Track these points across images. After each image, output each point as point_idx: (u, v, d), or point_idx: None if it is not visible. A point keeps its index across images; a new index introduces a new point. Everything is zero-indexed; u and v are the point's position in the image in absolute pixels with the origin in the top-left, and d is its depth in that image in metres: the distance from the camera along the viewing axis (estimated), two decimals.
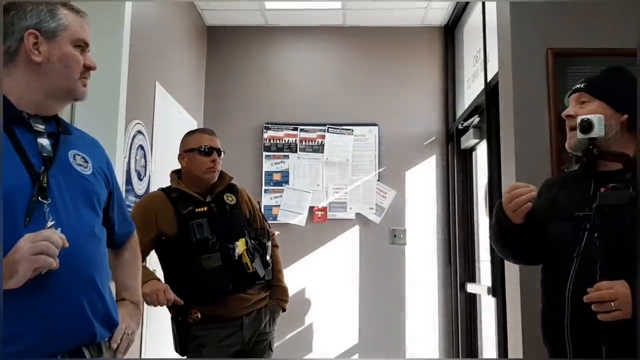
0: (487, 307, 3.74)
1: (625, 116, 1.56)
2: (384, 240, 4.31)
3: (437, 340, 4.18)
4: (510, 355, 2.83)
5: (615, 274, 1.39)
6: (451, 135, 4.29)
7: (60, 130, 1.46)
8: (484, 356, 3.83)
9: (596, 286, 1.38)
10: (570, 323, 1.47)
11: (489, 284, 3.28)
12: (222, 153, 2.54)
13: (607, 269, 1.41)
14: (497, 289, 3.05)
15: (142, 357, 3.09)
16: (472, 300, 4.00)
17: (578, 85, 1.65)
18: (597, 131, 1.50)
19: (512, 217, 1.57)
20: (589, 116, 1.51)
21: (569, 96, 1.68)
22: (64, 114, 1.54)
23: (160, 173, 3.24)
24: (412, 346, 4.17)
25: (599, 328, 1.39)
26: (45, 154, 1.38)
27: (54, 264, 1.23)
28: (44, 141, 1.39)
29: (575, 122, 1.54)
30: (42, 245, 1.21)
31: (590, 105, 1.58)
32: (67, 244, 1.25)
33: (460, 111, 4.19)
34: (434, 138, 4.40)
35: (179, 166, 2.57)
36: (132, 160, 3.02)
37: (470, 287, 3.90)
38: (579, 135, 1.53)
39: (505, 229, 1.62)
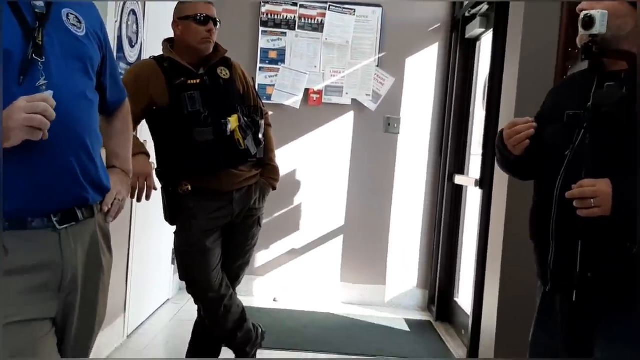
0: (472, 200, 3.81)
1: None
2: (378, 128, 4.29)
3: (420, 228, 4.31)
4: (490, 248, 2.93)
5: (602, 173, 1.40)
6: (456, 23, 4.13)
7: None
8: (464, 246, 3.97)
9: (579, 183, 1.40)
10: (556, 219, 1.50)
11: (477, 177, 3.31)
12: (219, 23, 2.44)
13: (594, 168, 1.42)
14: (485, 181, 3.09)
15: (132, 224, 3.16)
16: (458, 192, 4.07)
17: None
18: (599, 27, 1.43)
19: (513, 150, 1.58)
20: (591, 11, 1.44)
21: None
22: None
23: (153, 41, 3.13)
24: (395, 232, 4.30)
25: (579, 224, 1.42)
26: (38, 10, 1.31)
27: (46, 132, 1.21)
28: None
29: None
30: (40, 105, 1.19)
31: (606, 2, 1.50)
32: (53, 116, 1.21)
33: None
34: (438, 25, 4.24)
35: (172, 34, 2.48)
36: (124, 26, 2.90)
37: (458, 179, 3.96)
38: (581, 31, 1.48)
39: (507, 159, 1.65)
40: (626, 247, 1.40)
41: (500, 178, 2.79)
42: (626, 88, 1.43)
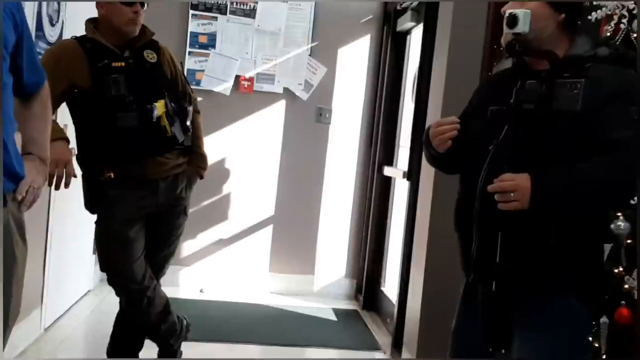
0: (400, 191, 3.89)
1: (563, 15, 1.55)
2: (310, 117, 4.28)
3: (350, 218, 4.35)
4: (416, 236, 3.00)
5: (522, 168, 1.46)
6: (388, 16, 4.18)
7: None
8: (391, 237, 4.05)
9: (500, 177, 1.45)
10: (479, 212, 1.54)
11: (406, 168, 3.38)
12: (146, 5, 2.35)
13: (514, 163, 1.47)
14: (413, 174, 3.15)
15: (50, 213, 3.01)
16: (387, 184, 4.13)
17: None
18: (522, 26, 1.49)
19: (437, 148, 1.64)
20: (515, 10, 1.50)
21: None
22: None
23: (75, 20, 2.97)
24: (324, 222, 4.33)
25: (499, 217, 1.47)
26: None
27: None
28: None
29: None
30: None
31: (530, 4, 1.56)
32: None
33: None
34: (370, 17, 4.27)
35: (96, 14, 2.36)
36: (44, 3, 2.73)
37: (387, 170, 4.02)
38: (505, 29, 1.53)
39: (432, 156, 1.72)
40: (544, 240, 1.47)
41: (427, 171, 2.86)
42: (546, 86, 1.49)
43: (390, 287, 3.91)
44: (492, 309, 1.56)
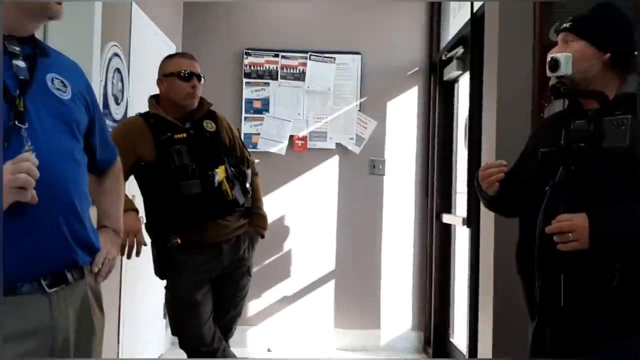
0: (461, 238, 3.84)
1: (608, 55, 1.56)
2: (363, 170, 4.33)
3: (412, 269, 4.31)
4: (481, 285, 2.94)
5: (579, 208, 1.45)
6: (434, 67, 4.24)
7: (37, 52, 1.40)
8: (456, 285, 3.97)
9: (557, 218, 1.45)
10: (539, 254, 1.53)
11: (465, 214, 3.35)
12: (202, 79, 2.49)
13: (571, 203, 1.47)
14: (472, 220, 3.12)
15: (122, 282, 3.13)
16: (447, 231, 4.09)
17: (565, 25, 1.65)
18: (564, 69, 1.52)
19: (487, 191, 1.67)
20: (556, 54, 1.54)
21: (555, 32, 1.68)
22: (37, 36, 1.47)
23: (138, 98, 3.17)
24: (386, 274, 4.29)
25: (560, 258, 1.46)
26: (21, 77, 1.33)
27: (34, 198, 1.21)
28: (20, 63, 1.34)
29: None
30: (23, 166, 1.18)
31: (574, 46, 1.59)
32: (37, 174, 1.22)
33: (444, 42, 4.13)
34: (417, 69, 4.35)
35: (157, 91, 2.52)
36: (109, 84, 2.94)
37: (446, 218, 3.99)
38: (548, 73, 1.56)
39: (486, 200, 1.76)
40: (606, 280, 1.43)
41: (487, 216, 2.82)
42: (594, 125, 1.50)
43: (459, 337, 3.81)
44: (561, 352, 1.52)
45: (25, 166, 1.19)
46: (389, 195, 4.33)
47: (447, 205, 4.08)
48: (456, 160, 4.09)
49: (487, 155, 2.85)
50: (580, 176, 1.49)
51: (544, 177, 1.56)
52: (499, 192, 1.64)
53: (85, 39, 2.57)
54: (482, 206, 2.80)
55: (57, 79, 1.42)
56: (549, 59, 1.55)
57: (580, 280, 1.47)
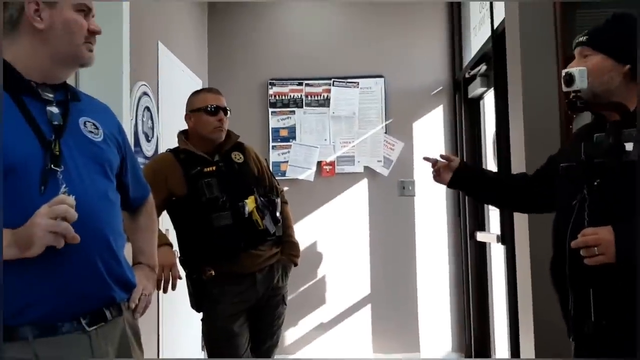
0: (497, 255, 3.78)
1: (628, 67, 1.55)
2: (393, 192, 4.33)
3: (448, 289, 4.25)
4: (520, 302, 2.88)
5: (604, 221, 1.43)
6: (458, 85, 4.24)
7: (69, 97, 1.46)
8: (495, 303, 3.90)
9: (582, 232, 1.43)
10: (570, 269, 1.52)
11: (499, 232, 3.30)
12: (229, 112, 2.54)
13: (596, 217, 1.45)
14: (507, 237, 3.07)
15: (159, 316, 3.17)
16: (481, 249, 4.03)
17: (581, 39, 1.63)
18: (579, 83, 1.51)
19: (438, 181, 1.99)
20: (570, 69, 1.54)
21: (574, 48, 1.67)
22: (68, 78, 1.53)
23: (168, 134, 3.25)
24: (423, 296, 4.25)
25: (589, 273, 1.45)
26: (55, 122, 1.38)
27: (76, 238, 1.25)
28: (54, 109, 1.40)
29: None
30: (60, 209, 1.22)
31: (592, 59, 1.58)
32: (75, 216, 1.25)
33: (467, 60, 4.13)
34: (440, 88, 4.35)
35: (186, 126, 2.58)
36: (139, 122, 3.02)
37: (480, 236, 3.94)
38: (564, 88, 1.56)
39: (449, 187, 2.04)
40: (634, 294, 1.40)
41: (521, 232, 2.78)
42: (613, 138, 1.48)
43: (501, 355, 3.72)
44: None
45: (62, 209, 1.22)
46: (421, 216, 4.31)
47: (480, 223, 4.03)
48: None
49: (518, 172, 2.82)
50: (604, 190, 1.47)
51: (570, 191, 1.55)
52: (451, 181, 1.98)
53: (115, 80, 2.65)
54: (517, 222, 2.77)
55: (89, 122, 1.48)
56: (563, 74, 1.55)
57: (610, 294, 1.44)
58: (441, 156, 2.06)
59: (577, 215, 1.51)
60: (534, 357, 2.65)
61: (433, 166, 2.06)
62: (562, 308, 1.60)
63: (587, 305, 1.47)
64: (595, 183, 1.48)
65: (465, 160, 4.10)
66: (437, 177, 2.06)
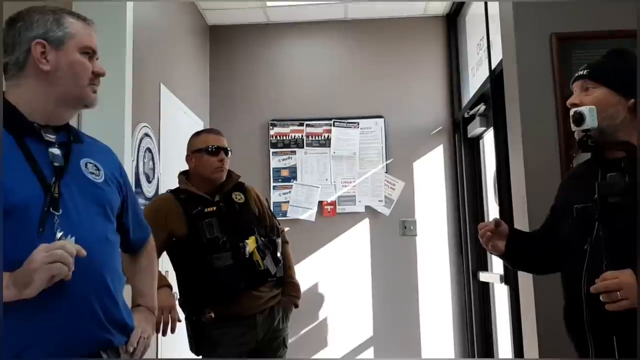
0: (500, 295, 3.73)
1: (632, 100, 1.53)
2: (395, 232, 4.31)
3: (452, 330, 4.18)
4: (525, 343, 2.83)
5: (623, 264, 1.38)
6: (457, 125, 4.27)
7: (71, 139, 1.47)
8: (500, 345, 3.83)
9: (602, 276, 1.37)
10: (589, 315, 1.46)
11: (501, 272, 3.27)
12: (229, 152, 2.55)
13: (614, 259, 1.40)
14: (510, 277, 3.04)
15: (159, 358, 3.11)
16: (484, 289, 3.99)
17: (581, 72, 1.62)
18: (589, 122, 1.49)
19: (492, 252, 1.72)
20: (580, 108, 1.50)
21: (572, 83, 1.66)
22: (71, 119, 1.55)
23: (169, 175, 3.25)
24: (426, 337, 4.18)
25: (610, 318, 1.39)
26: (56, 164, 1.39)
27: (69, 273, 1.24)
28: (56, 151, 1.41)
29: None
30: (57, 253, 1.22)
31: (595, 92, 1.56)
32: (83, 253, 1.25)
33: (465, 100, 4.18)
34: (440, 128, 4.39)
35: (187, 167, 2.58)
36: (141, 163, 3.03)
37: (483, 276, 3.90)
38: (573, 127, 1.53)
39: (501, 258, 1.78)
40: None
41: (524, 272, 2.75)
42: (628, 176, 1.45)
43: None
44: None
45: (58, 254, 1.22)
46: (423, 255, 4.27)
47: (483, 263, 4.00)
48: (488, 216, 4.04)
49: (519, 211, 2.81)
50: (620, 231, 1.43)
51: (581, 233, 1.51)
52: (507, 250, 1.69)
53: (117, 122, 2.67)
54: None
55: (90, 163, 1.48)
56: (572, 112, 1.52)
57: (634, 340, 1.39)
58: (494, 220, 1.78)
59: (590, 259, 1.46)
60: None
61: (480, 230, 1.77)
62: (579, 353, 1.54)
63: (609, 351, 1.41)
64: (612, 224, 1.43)
65: (466, 199, 4.09)
66: (489, 245, 1.75)
